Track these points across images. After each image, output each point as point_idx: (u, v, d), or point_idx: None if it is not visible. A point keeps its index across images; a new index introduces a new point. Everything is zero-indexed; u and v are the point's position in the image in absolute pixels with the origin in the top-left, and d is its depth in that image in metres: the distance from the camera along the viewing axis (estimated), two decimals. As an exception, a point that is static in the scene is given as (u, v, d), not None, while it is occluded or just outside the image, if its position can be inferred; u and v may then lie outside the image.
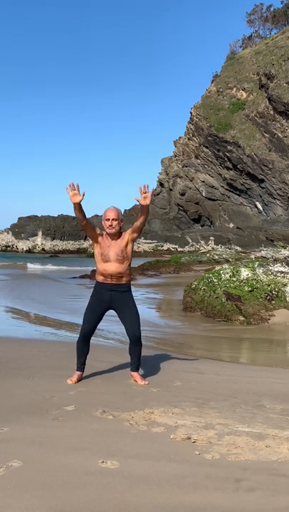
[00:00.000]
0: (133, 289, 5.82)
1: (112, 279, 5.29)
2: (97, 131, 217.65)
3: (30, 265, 33.97)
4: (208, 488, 2.85)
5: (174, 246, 54.10)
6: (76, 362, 5.42)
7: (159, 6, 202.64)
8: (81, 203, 5.06)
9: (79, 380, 5.34)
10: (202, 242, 53.01)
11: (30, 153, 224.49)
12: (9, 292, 17.25)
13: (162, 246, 53.88)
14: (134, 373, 5.52)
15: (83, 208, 5.11)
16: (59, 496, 2.69)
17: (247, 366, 7.17)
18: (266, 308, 11.25)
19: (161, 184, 64.92)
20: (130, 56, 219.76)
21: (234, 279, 12.08)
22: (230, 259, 29.38)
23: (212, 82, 65.30)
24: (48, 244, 58.26)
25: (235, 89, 61.16)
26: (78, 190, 5.03)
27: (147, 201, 5.13)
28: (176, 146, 65.35)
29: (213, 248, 46.61)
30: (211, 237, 53.50)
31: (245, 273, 12.17)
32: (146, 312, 11.72)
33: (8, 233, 61.86)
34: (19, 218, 64.21)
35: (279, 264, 12.89)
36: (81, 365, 5.41)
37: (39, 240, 59.19)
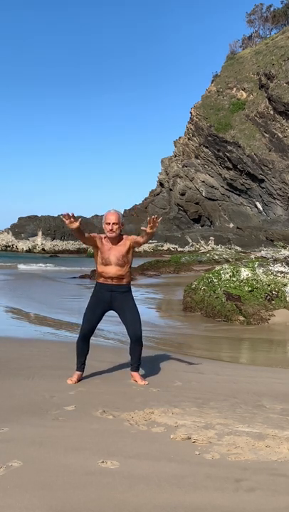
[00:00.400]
0: (133, 289, 5.82)
1: (113, 281, 5.30)
2: (97, 131, 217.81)
3: (21, 266, 33.08)
4: (208, 488, 2.85)
5: (174, 246, 54.11)
6: (76, 362, 5.42)
7: (160, 6, 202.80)
8: (79, 227, 5.07)
9: (79, 380, 5.35)
10: (202, 242, 53.02)
11: (30, 153, 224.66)
12: (9, 292, 17.25)
13: (162, 246, 53.88)
14: (134, 373, 5.53)
15: (81, 228, 5.13)
16: (59, 496, 2.69)
17: (247, 366, 7.17)
18: (266, 308, 11.25)
19: (161, 184, 64.94)
20: (130, 56, 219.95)
21: (234, 279, 12.08)
22: (230, 259, 29.38)
23: (212, 82, 65.32)
24: (48, 244, 58.26)
25: (235, 89, 61.18)
26: (74, 218, 5.00)
27: (154, 229, 5.16)
28: (176, 146, 65.37)
29: (213, 248, 46.62)
30: (211, 237, 53.51)
31: (245, 273, 12.17)
32: (146, 312, 11.72)
33: (8, 233, 61.86)
34: (19, 218, 64.21)
35: (279, 264, 12.89)
36: (81, 365, 5.41)
37: (39, 240, 59.20)
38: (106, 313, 5.50)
